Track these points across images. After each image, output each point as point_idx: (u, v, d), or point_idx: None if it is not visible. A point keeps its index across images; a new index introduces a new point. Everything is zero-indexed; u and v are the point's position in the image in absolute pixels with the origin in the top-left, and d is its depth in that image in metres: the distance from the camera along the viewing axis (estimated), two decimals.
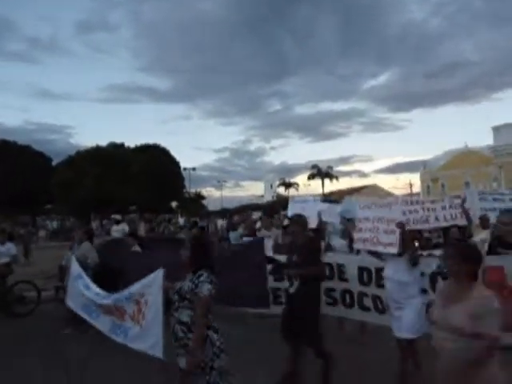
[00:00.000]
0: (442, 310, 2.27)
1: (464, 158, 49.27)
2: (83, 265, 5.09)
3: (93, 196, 42.39)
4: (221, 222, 14.37)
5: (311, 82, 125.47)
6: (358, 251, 4.94)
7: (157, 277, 3.12)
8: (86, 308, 4.35)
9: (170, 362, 2.94)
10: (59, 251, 9.87)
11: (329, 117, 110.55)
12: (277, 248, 5.81)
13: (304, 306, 3.75)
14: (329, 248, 5.80)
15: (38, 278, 8.63)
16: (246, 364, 4.05)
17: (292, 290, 3.86)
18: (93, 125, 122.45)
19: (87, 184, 43.79)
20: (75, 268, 4.88)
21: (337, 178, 61.39)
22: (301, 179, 69.36)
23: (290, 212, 7.32)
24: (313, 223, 7.33)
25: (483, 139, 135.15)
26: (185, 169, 53.00)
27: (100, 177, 44.32)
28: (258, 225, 8.98)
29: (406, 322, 3.61)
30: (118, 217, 17.60)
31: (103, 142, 54.18)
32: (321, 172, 60.75)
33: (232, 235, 8.98)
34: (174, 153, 55.38)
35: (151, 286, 3.16)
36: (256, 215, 16.08)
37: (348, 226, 6.13)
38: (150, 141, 54.02)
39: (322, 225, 5.95)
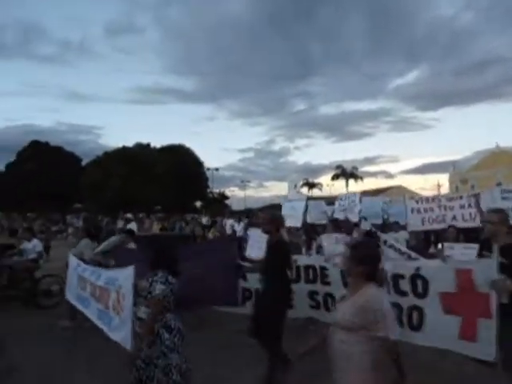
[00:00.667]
0: (338, 306, 2.38)
1: (495, 158, 47.25)
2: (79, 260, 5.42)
3: (119, 196, 43.75)
4: (230, 222, 14.57)
5: (336, 82, 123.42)
6: None
7: (129, 274, 3.26)
8: (79, 298, 4.66)
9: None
10: None
11: (354, 116, 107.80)
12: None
13: (268, 306, 3.75)
14: (320, 249, 5.86)
15: (63, 272, 9.06)
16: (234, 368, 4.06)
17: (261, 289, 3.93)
18: (120, 125, 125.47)
19: (114, 184, 45.24)
20: (73, 261, 5.28)
21: (361, 178, 60.54)
22: (324, 180, 68.80)
23: (283, 211, 7.75)
24: (298, 222, 7.93)
25: None
26: (208, 169, 53.87)
27: (126, 177, 45.69)
28: None
29: None
30: (129, 216, 18.64)
31: (130, 143, 55.91)
32: (345, 172, 59.89)
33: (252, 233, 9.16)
34: (199, 153, 56.39)
35: (126, 279, 3.30)
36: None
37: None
38: (176, 141, 55.24)
39: (307, 225, 6.15)
